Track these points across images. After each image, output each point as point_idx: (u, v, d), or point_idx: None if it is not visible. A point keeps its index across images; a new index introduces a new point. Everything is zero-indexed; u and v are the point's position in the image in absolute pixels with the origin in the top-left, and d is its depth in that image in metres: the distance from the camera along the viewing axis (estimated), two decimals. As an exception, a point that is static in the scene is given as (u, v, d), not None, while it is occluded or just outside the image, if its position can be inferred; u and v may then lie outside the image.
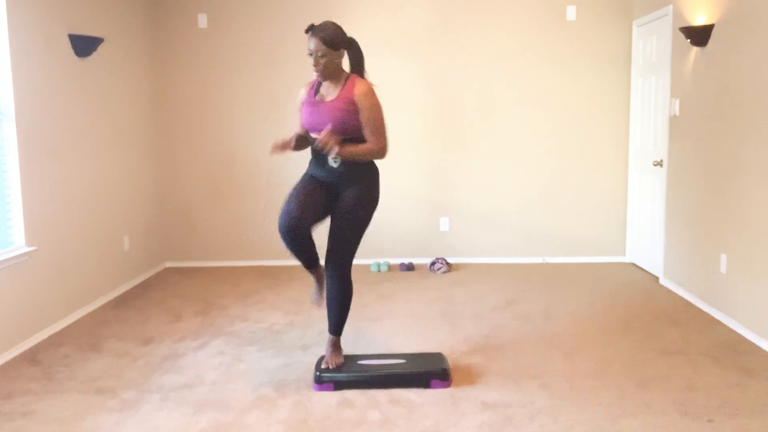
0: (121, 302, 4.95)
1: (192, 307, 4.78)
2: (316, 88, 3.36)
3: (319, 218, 3.37)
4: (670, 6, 4.96)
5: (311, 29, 3.19)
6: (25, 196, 4.02)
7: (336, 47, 3.19)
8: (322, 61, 3.17)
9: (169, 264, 6.15)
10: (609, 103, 5.90)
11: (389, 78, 5.88)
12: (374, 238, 6.00)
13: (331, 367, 3.36)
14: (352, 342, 3.96)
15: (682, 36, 4.74)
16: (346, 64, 3.34)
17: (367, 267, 5.90)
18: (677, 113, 4.89)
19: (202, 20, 5.88)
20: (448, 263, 5.77)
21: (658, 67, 5.28)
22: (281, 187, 5.81)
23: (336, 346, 3.47)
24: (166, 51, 5.94)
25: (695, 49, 4.59)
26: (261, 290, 5.22)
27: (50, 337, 4.18)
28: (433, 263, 5.75)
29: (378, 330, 4.19)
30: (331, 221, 3.39)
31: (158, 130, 6.00)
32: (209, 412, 3.08)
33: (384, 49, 5.86)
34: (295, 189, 3.35)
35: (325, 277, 3.46)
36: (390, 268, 5.91)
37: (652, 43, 5.39)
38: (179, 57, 5.94)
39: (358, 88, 3.23)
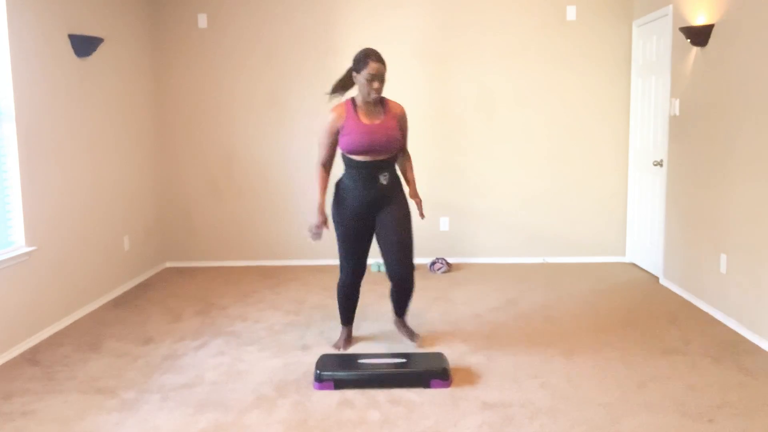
0: (121, 302, 4.95)
1: (192, 307, 4.78)
2: (354, 111, 3.55)
3: (368, 254, 3.80)
4: (670, 6, 4.96)
5: (371, 54, 3.46)
6: (25, 196, 4.02)
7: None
8: (383, 84, 3.48)
9: (169, 264, 6.15)
10: (609, 103, 5.90)
11: (389, 78, 5.87)
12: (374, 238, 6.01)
13: (417, 342, 3.87)
14: (332, 346, 3.97)
15: (682, 36, 4.74)
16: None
17: (367, 267, 5.89)
18: (677, 113, 4.89)
19: (202, 20, 5.88)
20: (448, 263, 5.77)
21: (658, 67, 5.28)
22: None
23: (406, 323, 3.99)
24: (166, 51, 5.94)
25: (695, 49, 4.59)
26: (261, 290, 5.22)
27: (50, 337, 4.18)
28: (433, 263, 5.75)
29: (378, 330, 4.19)
30: (386, 234, 3.63)
31: (158, 130, 6.00)
32: (209, 412, 3.08)
33: (384, 49, 5.85)
34: (347, 242, 3.66)
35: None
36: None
37: (652, 43, 5.39)
38: (179, 57, 5.94)
39: (396, 106, 3.65)
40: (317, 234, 3.58)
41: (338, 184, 3.68)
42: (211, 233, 6.11)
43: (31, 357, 3.83)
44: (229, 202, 6.08)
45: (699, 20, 4.51)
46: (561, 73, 5.86)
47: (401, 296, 3.80)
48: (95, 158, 4.87)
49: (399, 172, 3.80)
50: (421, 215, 3.69)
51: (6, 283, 3.82)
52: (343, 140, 3.51)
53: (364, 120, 3.52)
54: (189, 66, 5.95)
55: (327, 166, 3.67)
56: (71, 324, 4.44)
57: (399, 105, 3.67)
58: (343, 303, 3.85)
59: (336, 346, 3.87)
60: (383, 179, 3.55)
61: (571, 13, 5.80)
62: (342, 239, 3.67)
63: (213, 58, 5.93)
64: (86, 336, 4.19)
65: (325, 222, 3.60)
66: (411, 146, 5.84)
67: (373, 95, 3.48)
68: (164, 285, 5.46)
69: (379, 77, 3.44)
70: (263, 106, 5.97)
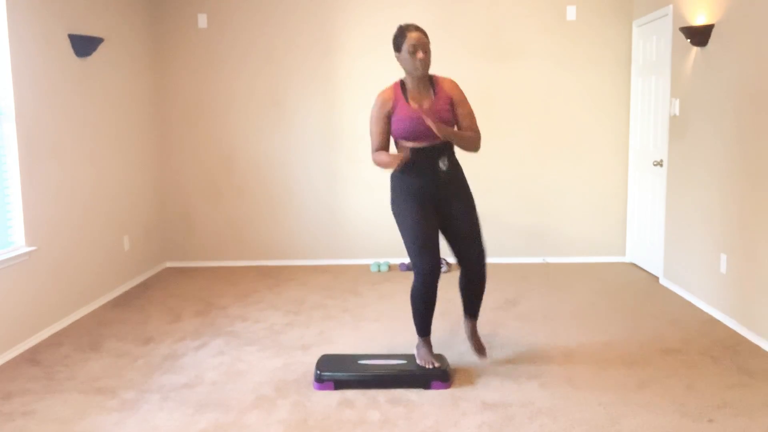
0: (121, 302, 4.95)
1: (192, 307, 4.78)
2: (403, 94, 3.29)
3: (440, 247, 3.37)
4: (670, 6, 4.96)
5: (407, 27, 3.22)
6: (25, 196, 4.02)
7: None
8: (427, 54, 3.20)
9: (169, 264, 6.15)
10: (609, 103, 5.90)
11: (389, 78, 5.86)
12: (374, 238, 6.01)
13: (478, 352, 3.53)
14: (352, 342, 3.97)
15: (682, 36, 4.74)
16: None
17: (367, 267, 5.90)
18: (677, 113, 4.89)
19: (202, 20, 5.88)
20: (448, 263, 5.76)
21: (658, 67, 5.28)
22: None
23: (477, 331, 3.62)
24: (166, 51, 5.94)
25: (695, 49, 4.59)
26: (261, 290, 5.22)
27: (50, 337, 4.18)
28: (433, 263, 5.73)
29: (378, 330, 4.19)
30: (455, 225, 3.38)
31: (158, 130, 6.00)
32: (209, 412, 3.08)
33: (383, 49, 5.86)
34: (416, 228, 3.24)
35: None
36: (390, 268, 5.91)
37: (652, 43, 5.39)
38: (179, 57, 5.94)
39: (448, 84, 3.32)
40: (400, 158, 3.14)
41: (393, 176, 3.37)
42: (211, 233, 6.11)
43: (31, 357, 3.83)
44: (229, 202, 6.08)
45: (699, 20, 4.51)
46: (561, 73, 5.86)
47: (475, 287, 3.50)
48: (95, 158, 4.87)
49: (454, 154, 3.43)
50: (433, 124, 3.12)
51: (6, 283, 3.82)
52: (395, 126, 3.26)
53: (414, 103, 3.25)
54: (189, 66, 5.94)
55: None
56: (71, 324, 4.44)
57: (449, 81, 3.33)
58: (420, 309, 3.37)
59: (425, 361, 3.35)
60: (442, 165, 3.27)
61: (571, 13, 5.80)
62: (409, 233, 3.27)
63: (213, 58, 5.93)
64: (86, 336, 4.19)
65: (400, 155, 3.17)
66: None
67: (420, 68, 3.19)
68: (164, 285, 5.46)
69: (422, 46, 3.16)
70: (263, 106, 5.97)
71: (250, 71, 5.93)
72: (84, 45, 4.57)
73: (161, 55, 5.94)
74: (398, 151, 3.30)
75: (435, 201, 3.33)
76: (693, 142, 4.65)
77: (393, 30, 5.80)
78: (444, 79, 3.35)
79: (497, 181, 5.99)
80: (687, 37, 4.52)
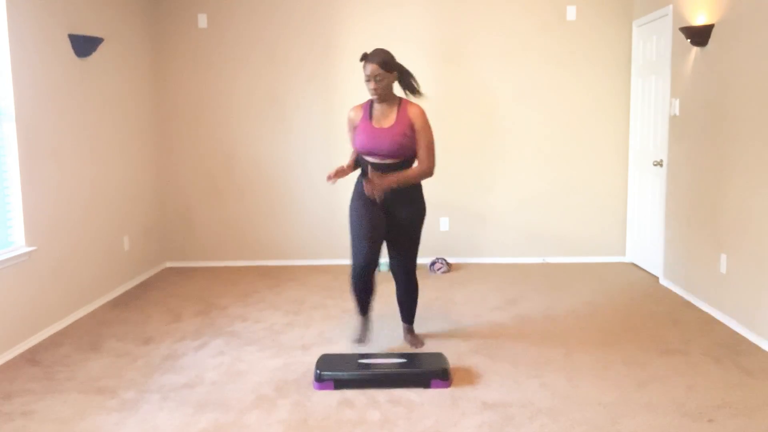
0: (121, 302, 4.95)
1: (192, 307, 4.78)
2: (369, 112, 3.59)
3: (381, 246, 3.66)
4: (670, 6, 4.96)
5: (367, 56, 3.49)
6: (25, 196, 4.02)
7: (390, 70, 3.51)
8: (380, 83, 3.47)
9: (169, 264, 6.15)
10: (609, 103, 5.90)
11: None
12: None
13: (418, 348, 3.81)
14: (352, 342, 3.97)
15: (682, 36, 4.74)
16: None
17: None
18: (677, 113, 4.89)
19: (202, 20, 5.88)
20: (448, 263, 5.77)
21: (658, 67, 5.28)
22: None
23: (412, 331, 3.94)
24: (166, 51, 5.94)
25: (695, 49, 4.59)
26: (261, 290, 5.22)
27: (50, 337, 4.18)
28: (433, 263, 5.75)
29: (378, 330, 4.19)
30: (393, 235, 3.68)
31: (158, 130, 6.00)
32: (209, 412, 3.08)
33: (384, 49, 5.86)
34: (358, 225, 3.57)
35: (370, 322, 3.86)
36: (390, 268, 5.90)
37: (652, 43, 5.39)
38: (179, 57, 5.94)
39: (413, 110, 3.55)
40: (334, 175, 3.53)
41: (356, 182, 3.73)
42: (211, 233, 6.11)
43: (31, 357, 3.83)
44: (229, 202, 6.08)
45: (699, 20, 4.51)
46: (561, 73, 5.86)
47: (403, 296, 3.86)
48: (95, 158, 4.87)
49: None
50: (368, 191, 3.43)
51: (6, 283, 3.82)
52: (355, 139, 3.61)
53: (376, 122, 3.56)
54: (189, 66, 5.95)
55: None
56: (71, 324, 4.44)
57: (416, 108, 3.57)
58: (356, 296, 3.73)
59: (357, 341, 3.84)
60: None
61: (571, 13, 5.80)
62: (352, 230, 3.63)
63: (213, 58, 5.93)
64: (86, 336, 4.19)
65: (341, 172, 3.56)
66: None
67: (373, 95, 3.53)
68: (164, 285, 5.46)
69: (374, 77, 3.46)
70: (263, 105, 5.97)
71: (250, 71, 5.93)
72: (84, 45, 4.57)
73: (161, 55, 5.94)
74: (360, 162, 3.67)
75: (384, 209, 3.61)
76: (693, 142, 4.65)
77: (393, 30, 5.87)
78: (412, 105, 3.58)
79: (497, 180, 5.99)
80: (687, 37, 4.53)
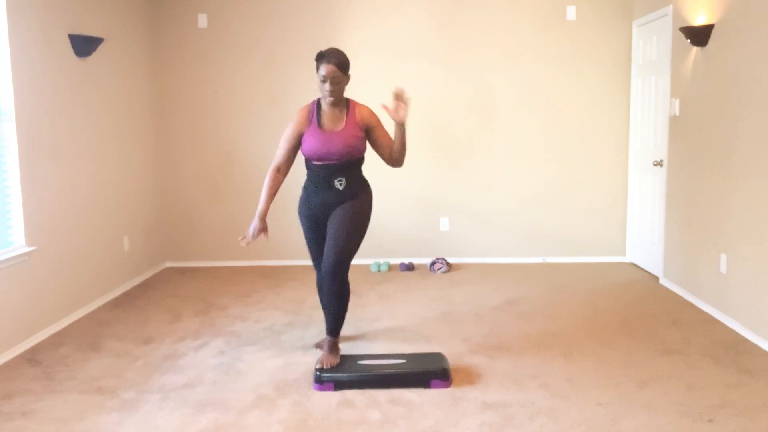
0: (121, 302, 4.95)
1: (192, 307, 4.78)
2: (317, 115, 3.45)
3: None
4: (670, 6, 4.96)
5: (324, 56, 3.33)
6: (25, 196, 4.02)
7: (346, 72, 3.38)
8: (337, 86, 3.35)
9: (169, 264, 6.15)
10: (609, 103, 5.90)
11: (388, 78, 5.88)
12: (374, 238, 6.01)
13: (326, 367, 3.34)
14: (352, 342, 3.97)
15: (682, 36, 4.74)
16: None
17: (367, 267, 5.90)
18: (677, 113, 4.89)
19: (202, 20, 5.88)
20: (448, 263, 5.77)
21: (658, 67, 5.28)
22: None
23: (333, 346, 3.50)
24: (166, 51, 5.94)
25: (695, 49, 4.59)
26: (261, 290, 5.22)
27: (50, 337, 4.18)
28: (433, 263, 5.75)
29: (378, 330, 4.19)
30: (330, 228, 3.48)
31: (158, 130, 6.00)
32: (209, 412, 3.08)
33: (383, 49, 5.87)
34: (308, 242, 3.65)
35: (338, 346, 3.54)
36: (390, 268, 5.91)
37: (652, 43, 5.39)
38: (179, 57, 5.94)
39: (362, 112, 3.47)
40: (248, 239, 3.41)
41: (304, 186, 3.60)
42: (211, 233, 6.11)
43: (31, 357, 3.83)
44: (229, 202, 6.08)
45: (699, 20, 4.51)
46: (561, 73, 5.87)
47: (324, 297, 3.49)
48: (95, 158, 4.87)
49: (358, 176, 3.56)
50: (401, 117, 3.32)
51: (6, 283, 3.82)
52: (304, 145, 3.45)
53: (326, 125, 3.42)
54: (189, 66, 5.95)
55: (282, 169, 3.51)
56: (71, 324, 4.44)
57: (365, 108, 3.48)
58: (322, 301, 3.62)
59: (322, 362, 3.39)
60: (338, 184, 3.45)
61: (571, 13, 5.80)
62: (306, 239, 3.64)
63: (213, 58, 5.93)
64: (86, 336, 4.19)
65: (263, 230, 3.43)
66: (411, 146, 5.89)
67: (329, 97, 3.36)
68: (164, 285, 5.46)
69: (332, 79, 3.31)
70: (263, 106, 5.97)
71: (250, 71, 5.93)
72: (84, 45, 4.57)
73: (161, 55, 5.94)
74: (306, 167, 3.54)
75: (328, 212, 3.52)
76: (693, 142, 4.65)
77: (393, 30, 5.88)
78: (360, 106, 3.49)
79: (497, 181, 5.99)
80: (687, 37, 4.53)
